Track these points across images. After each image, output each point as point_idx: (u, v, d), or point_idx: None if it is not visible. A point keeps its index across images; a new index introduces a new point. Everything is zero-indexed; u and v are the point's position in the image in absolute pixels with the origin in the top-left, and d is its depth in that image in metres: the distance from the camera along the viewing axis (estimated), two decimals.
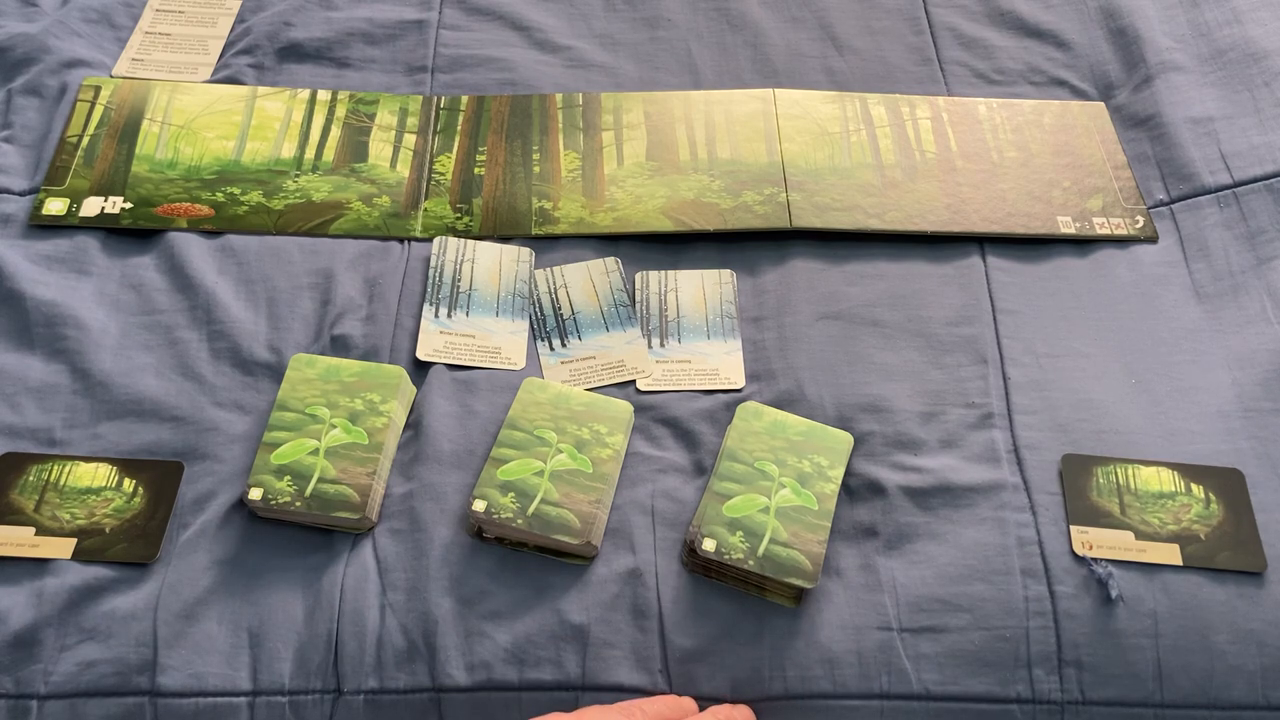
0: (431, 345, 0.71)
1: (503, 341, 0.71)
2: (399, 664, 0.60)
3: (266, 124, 0.86)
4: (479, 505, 0.63)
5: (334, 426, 0.66)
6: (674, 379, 0.72)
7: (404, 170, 0.84)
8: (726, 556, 0.61)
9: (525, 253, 0.77)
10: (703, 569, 0.63)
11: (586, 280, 0.75)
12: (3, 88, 0.87)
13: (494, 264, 0.73)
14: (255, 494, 0.63)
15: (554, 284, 0.74)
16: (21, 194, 0.81)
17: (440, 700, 0.60)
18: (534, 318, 0.74)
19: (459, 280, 0.71)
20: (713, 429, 0.69)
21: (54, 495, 0.65)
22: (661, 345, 0.74)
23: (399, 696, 0.59)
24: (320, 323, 0.74)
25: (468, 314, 0.71)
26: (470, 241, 0.78)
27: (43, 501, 0.65)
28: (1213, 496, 0.66)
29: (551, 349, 0.73)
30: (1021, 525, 0.65)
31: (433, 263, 0.76)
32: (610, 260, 0.77)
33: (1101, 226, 0.81)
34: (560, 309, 0.73)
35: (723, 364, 0.73)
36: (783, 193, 0.82)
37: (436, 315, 0.71)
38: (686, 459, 0.68)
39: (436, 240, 0.78)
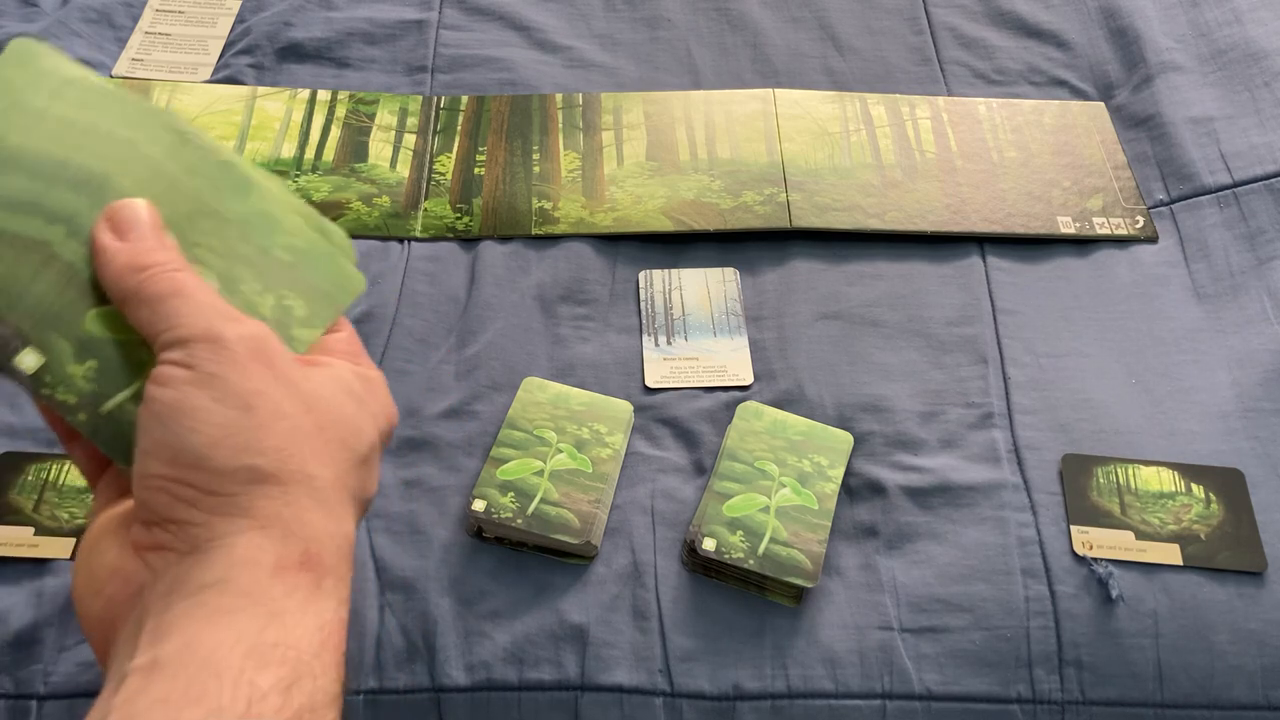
0: (659, 373, 0.72)
1: (727, 360, 0.72)
2: (398, 664, 0.60)
3: (266, 124, 0.86)
4: (478, 505, 0.63)
5: None
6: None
7: (404, 170, 0.84)
8: (726, 556, 0.61)
9: (730, 273, 0.77)
10: (703, 568, 0.63)
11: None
12: None
13: (702, 288, 0.75)
14: None
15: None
16: None
17: (440, 700, 0.59)
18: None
19: (670, 307, 0.74)
20: (713, 429, 0.69)
21: (53, 495, 0.65)
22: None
23: (398, 696, 0.59)
24: None
25: (686, 339, 0.73)
26: (674, 271, 0.78)
27: (42, 501, 0.65)
28: (1213, 496, 0.66)
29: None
30: (1022, 525, 0.65)
31: (642, 295, 0.76)
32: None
33: (1101, 226, 0.81)
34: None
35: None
36: (783, 193, 0.82)
37: (656, 344, 0.73)
38: (686, 459, 0.68)
39: (641, 275, 0.78)
